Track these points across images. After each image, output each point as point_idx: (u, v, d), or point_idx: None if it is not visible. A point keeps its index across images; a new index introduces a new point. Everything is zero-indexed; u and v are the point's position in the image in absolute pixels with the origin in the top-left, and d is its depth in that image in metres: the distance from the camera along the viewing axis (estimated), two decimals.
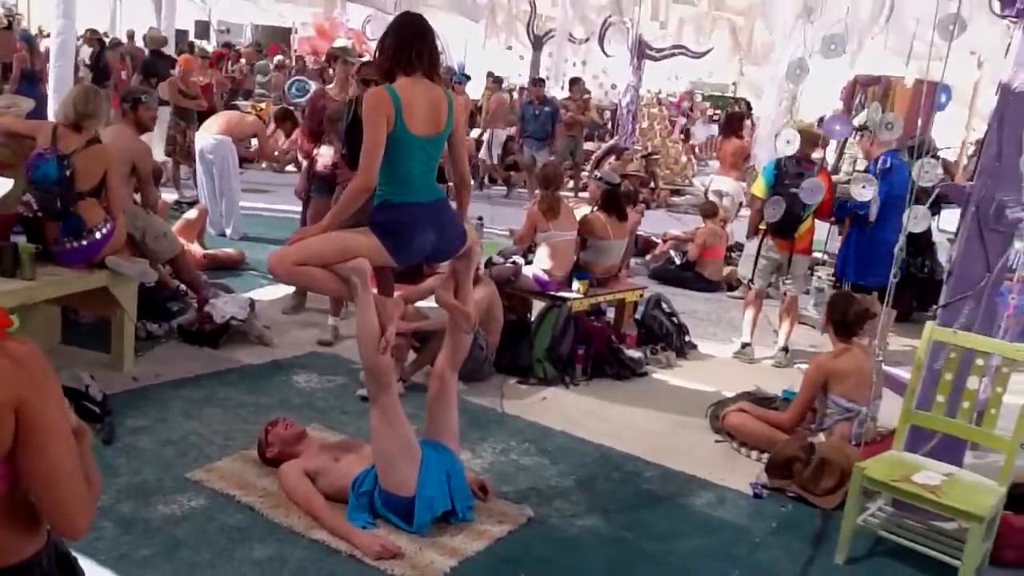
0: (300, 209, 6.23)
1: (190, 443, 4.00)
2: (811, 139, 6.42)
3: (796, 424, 4.63)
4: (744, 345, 6.44)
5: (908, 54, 7.05)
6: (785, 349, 6.40)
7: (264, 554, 3.18)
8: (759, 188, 6.51)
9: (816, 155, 7.11)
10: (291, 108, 9.75)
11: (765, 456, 4.45)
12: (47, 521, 1.56)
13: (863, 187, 6.36)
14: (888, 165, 6.57)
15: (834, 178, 8.11)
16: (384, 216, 3.47)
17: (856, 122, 8.23)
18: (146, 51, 12.61)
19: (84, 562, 2.92)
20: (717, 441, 4.79)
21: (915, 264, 7.09)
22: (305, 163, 6.42)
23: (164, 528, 3.29)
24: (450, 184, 4.90)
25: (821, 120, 9.53)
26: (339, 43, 7.00)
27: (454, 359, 3.84)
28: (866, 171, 6.84)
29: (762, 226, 6.39)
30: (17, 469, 1.48)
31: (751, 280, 6.54)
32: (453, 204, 3.83)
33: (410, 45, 3.48)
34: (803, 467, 4.18)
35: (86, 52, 12.49)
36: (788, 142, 5.98)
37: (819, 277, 7.68)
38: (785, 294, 6.47)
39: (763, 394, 5.14)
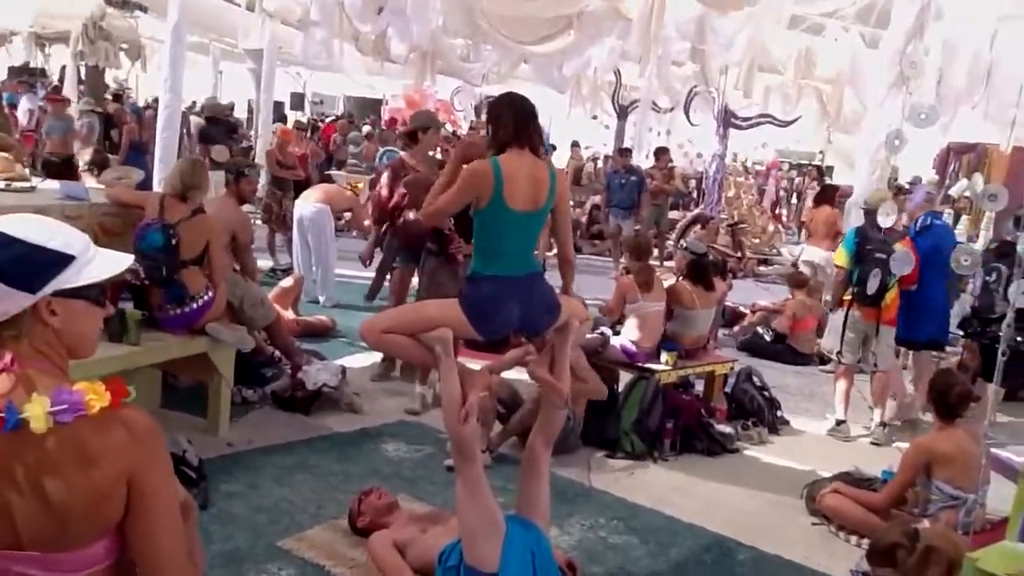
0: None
1: (281, 510, 4.04)
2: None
3: (890, 506, 4.44)
4: (839, 422, 6.25)
5: (1012, 121, 6.88)
6: (883, 424, 6.18)
7: None
8: (842, 258, 6.41)
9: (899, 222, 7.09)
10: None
11: (865, 541, 4.26)
12: None
13: (965, 259, 6.19)
14: (929, 223, 6.61)
15: None
16: (472, 290, 3.51)
17: (954, 192, 8.01)
18: (202, 119, 13.19)
19: None
20: (814, 524, 4.62)
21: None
22: (374, 230, 6.54)
23: None
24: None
25: (901, 188, 9.28)
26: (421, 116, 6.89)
27: (547, 435, 3.80)
28: (905, 229, 6.85)
29: (846, 297, 6.33)
30: (125, 540, 1.50)
31: (839, 354, 6.38)
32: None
33: (527, 121, 3.56)
34: (907, 555, 3.97)
35: (195, 122, 13.11)
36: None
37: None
38: (875, 367, 6.29)
39: (861, 475, 4.94)
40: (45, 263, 1.47)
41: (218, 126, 12.30)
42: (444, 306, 3.55)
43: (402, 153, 6.94)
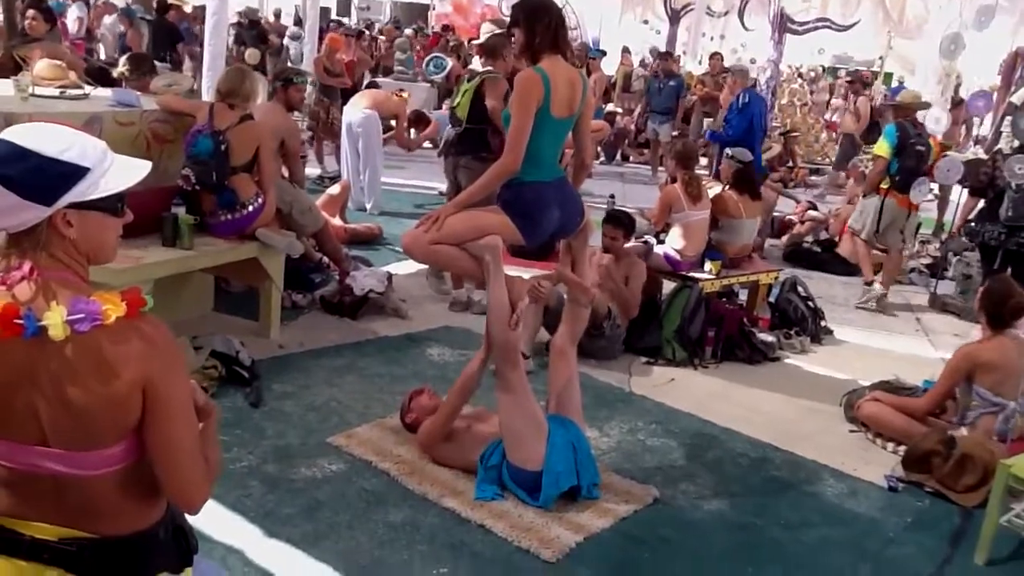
0: (435, 186, 6.31)
1: (331, 409, 4.20)
2: (915, 105, 7.31)
3: (931, 411, 4.47)
4: (868, 283, 7.14)
5: None
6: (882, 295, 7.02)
7: (398, 518, 3.33)
8: (884, 149, 6.98)
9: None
10: (424, 112, 9.92)
11: (902, 449, 4.32)
12: (166, 494, 1.65)
13: (1020, 167, 6.10)
14: (747, 100, 7.98)
15: (980, 153, 7.87)
16: (513, 195, 3.55)
17: (1015, 99, 7.77)
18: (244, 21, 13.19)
19: (233, 518, 3.17)
20: (851, 431, 4.67)
21: None
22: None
23: (306, 489, 3.47)
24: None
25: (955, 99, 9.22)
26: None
27: (573, 333, 3.91)
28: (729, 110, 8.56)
29: (883, 185, 6.97)
30: (143, 442, 1.56)
31: (861, 231, 7.20)
32: None
33: (557, 27, 3.54)
34: (943, 462, 4.03)
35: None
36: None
37: (967, 263, 7.31)
38: (893, 247, 7.15)
39: (902, 384, 4.96)
40: (59, 175, 1.47)
41: (251, 30, 12.30)
42: (489, 213, 3.60)
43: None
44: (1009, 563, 3.51)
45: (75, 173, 1.48)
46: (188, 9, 15.74)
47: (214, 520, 3.08)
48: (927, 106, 7.68)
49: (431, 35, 17.65)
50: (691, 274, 5.83)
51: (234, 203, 4.75)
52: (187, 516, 1.74)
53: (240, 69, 5.38)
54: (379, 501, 3.44)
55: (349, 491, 3.49)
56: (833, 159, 13.89)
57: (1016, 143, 6.78)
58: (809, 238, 8.51)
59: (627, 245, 5.92)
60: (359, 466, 3.69)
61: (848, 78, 14.31)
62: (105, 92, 5.29)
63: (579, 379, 3.94)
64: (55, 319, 1.43)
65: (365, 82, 12.08)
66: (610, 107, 13.70)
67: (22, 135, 1.48)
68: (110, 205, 1.56)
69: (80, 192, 1.49)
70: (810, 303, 6.24)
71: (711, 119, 12.89)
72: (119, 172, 1.56)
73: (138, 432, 1.55)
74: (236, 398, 4.17)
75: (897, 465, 4.19)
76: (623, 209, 6.14)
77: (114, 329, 1.47)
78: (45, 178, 1.46)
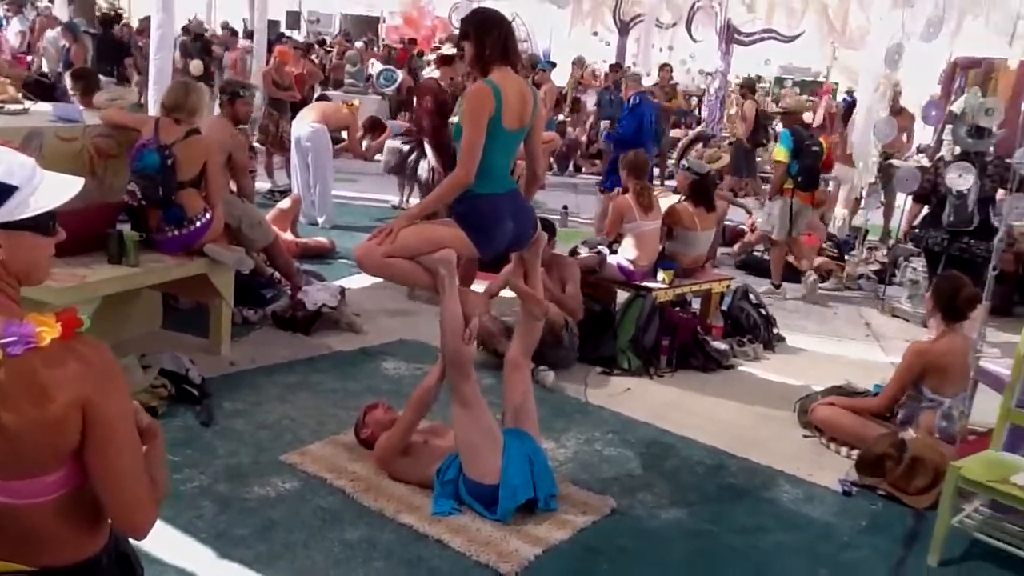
0: (388, 199, 6.29)
1: (284, 427, 4.13)
2: (801, 110, 8.60)
3: (885, 410, 4.53)
4: (776, 286, 7.56)
5: (1012, 34, 6.83)
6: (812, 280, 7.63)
7: (355, 536, 3.28)
8: (782, 154, 7.62)
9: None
10: (379, 118, 9.89)
11: (855, 453, 4.37)
12: (110, 520, 1.59)
13: (959, 175, 6.26)
14: (637, 102, 8.69)
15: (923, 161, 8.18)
16: (467, 208, 3.53)
17: (955, 108, 7.96)
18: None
19: (185, 540, 3.10)
20: (805, 436, 4.71)
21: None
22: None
23: (260, 509, 3.41)
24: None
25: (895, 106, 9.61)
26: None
27: (526, 344, 3.91)
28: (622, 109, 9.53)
29: (787, 186, 7.62)
30: (83, 468, 1.51)
31: (772, 232, 7.73)
32: None
33: (507, 39, 3.54)
34: (895, 465, 4.09)
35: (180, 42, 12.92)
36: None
37: (914, 269, 7.46)
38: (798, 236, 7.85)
39: (853, 388, 5.02)
40: None
41: (196, 42, 12.18)
42: (443, 226, 3.58)
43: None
44: (961, 563, 3.56)
45: (1, 192, 1.43)
46: (134, 23, 15.55)
47: (165, 543, 3.01)
48: (809, 108, 8.62)
49: (401, 49, 17.51)
50: (644, 284, 5.86)
51: (181, 218, 4.68)
52: (134, 540, 1.69)
53: (185, 83, 5.31)
54: (335, 519, 3.39)
55: (304, 509, 3.44)
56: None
57: (957, 151, 6.94)
58: (760, 247, 8.60)
59: (581, 256, 5.95)
60: (314, 484, 3.63)
61: (738, 83, 14.65)
62: (46, 107, 5.20)
63: (535, 391, 3.93)
64: None
65: (315, 95, 12.01)
66: (560, 117, 13.76)
67: None
68: (40, 224, 1.50)
69: (7, 212, 1.44)
70: (762, 310, 6.31)
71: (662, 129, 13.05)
72: (50, 190, 1.50)
73: (78, 457, 1.49)
74: (186, 417, 4.09)
75: (851, 469, 4.24)
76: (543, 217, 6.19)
77: (49, 351, 1.42)
78: None
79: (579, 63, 16.57)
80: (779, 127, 9.85)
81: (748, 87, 12.57)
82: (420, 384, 3.79)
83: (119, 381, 1.55)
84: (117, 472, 1.52)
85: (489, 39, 3.50)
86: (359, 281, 6.31)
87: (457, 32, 4.02)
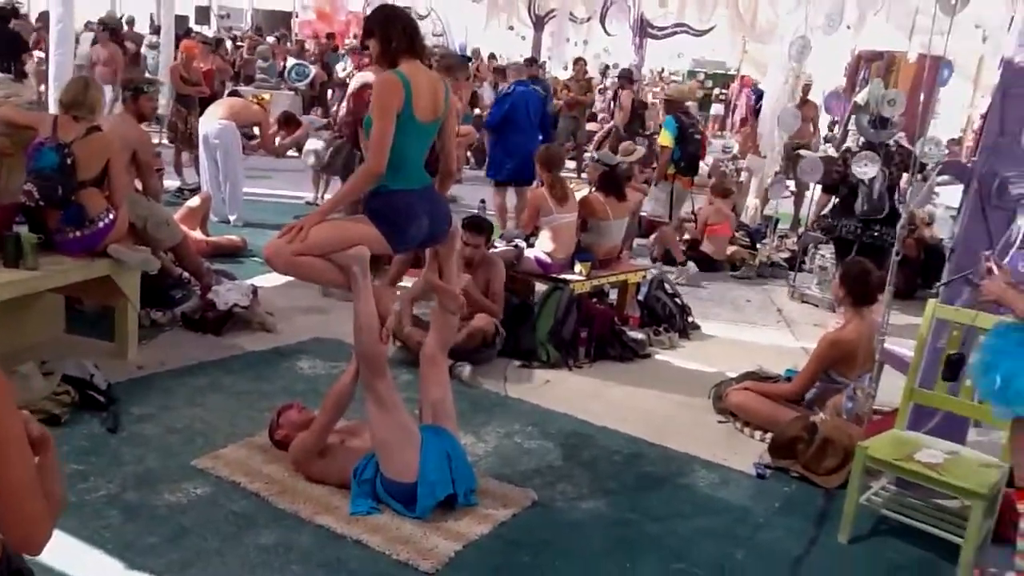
0: (302, 195, 6.18)
1: (195, 431, 4.01)
2: (684, 98, 9.31)
3: (800, 394, 4.65)
4: (685, 266, 7.98)
5: (911, 29, 7.08)
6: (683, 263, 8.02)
7: (270, 540, 3.20)
8: (667, 139, 8.19)
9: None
10: (293, 113, 9.72)
11: (768, 436, 4.46)
12: (3, 535, 1.52)
13: (864, 164, 6.46)
14: (511, 90, 8.66)
15: (830, 151, 8.47)
16: (380, 203, 3.48)
17: (859, 99, 8.23)
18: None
19: (90, 551, 2.98)
20: (720, 422, 4.80)
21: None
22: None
23: (170, 516, 3.30)
24: None
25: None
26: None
27: (443, 340, 3.88)
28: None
29: (670, 171, 8.29)
30: None
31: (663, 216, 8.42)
32: None
33: (412, 33, 3.50)
34: (806, 447, 4.19)
35: (86, 39, 12.49)
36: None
37: (823, 256, 7.67)
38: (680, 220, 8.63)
39: (766, 374, 5.13)
40: None
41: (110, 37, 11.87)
42: (356, 223, 3.53)
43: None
44: (871, 539, 3.67)
45: None
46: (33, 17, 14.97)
47: (69, 556, 2.89)
48: (693, 98, 9.11)
49: (322, 45, 17.19)
50: (562, 276, 5.88)
51: (82, 219, 4.52)
52: (29, 556, 1.60)
53: (83, 79, 5.14)
54: (249, 523, 3.31)
55: (216, 515, 3.34)
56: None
57: (862, 141, 7.16)
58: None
59: (498, 250, 5.94)
60: (226, 488, 3.53)
61: (617, 74, 14.93)
62: None
63: (452, 386, 3.91)
64: None
65: (226, 91, 11.73)
66: (477, 111, 13.73)
67: None
68: None
69: None
70: (677, 300, 6.41)
71: (576, 122, 13.14)
72: None
73: None
74: (92, 424, 3.94)
75: (764, 453, 4.33)
76: (479, 214, 6.17)
77: None
78: None
79: (475, 55, 16.55)
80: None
81: (626, 77, 12.82)
82: (335, 384, 3.72)
83: (6, 393, 1.47)
84: (7, 488, 1.45)
85: (394, 33, 3.47)
86: (272, 279, 6.19)
87: None
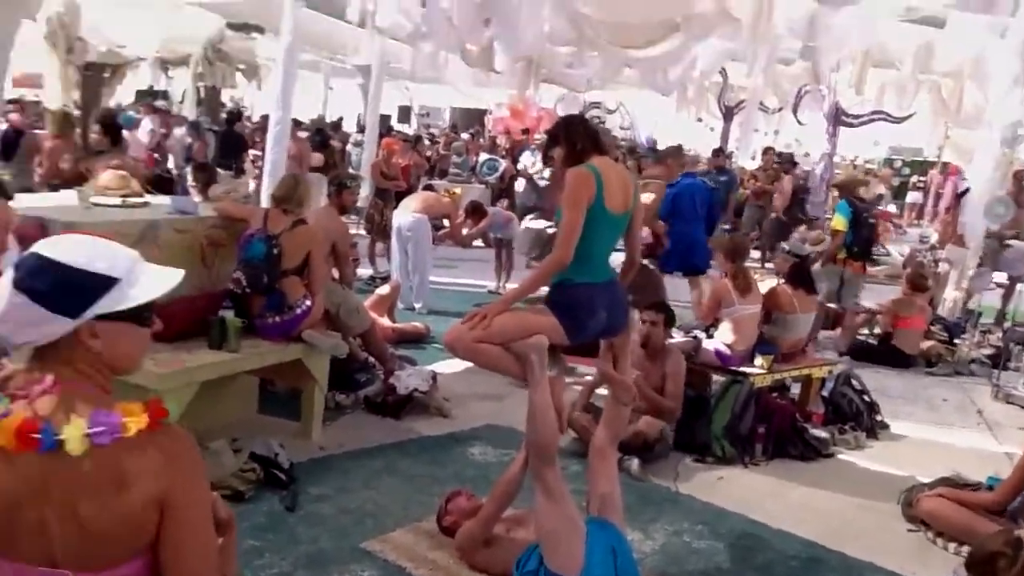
0: (484, 284, 6.32)
1: (367, 512, 4.16)
2: (855, 183, 9.11)
3: (1004, 505, 4.25)
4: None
5: None
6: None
7: None
8: (841, 223, 7.99)
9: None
10: (480, 203, 10.12)
11: (965, 549, 4.10)
12: None
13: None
14: (678, 182, 8.58)
15: None
16: (561, 296, 3.55)
17: None
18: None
19: None
20: (910, 530, 4.47)
21: None
22: None
23: None
24: None
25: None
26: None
27: (614, 432, 3.85)
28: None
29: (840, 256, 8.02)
30: (157, 561, 1.49)
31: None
32: None
33: (593, 133, 3.66)
34: (1009, 565, 3.79)
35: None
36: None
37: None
38: (850, 308, 8.20)
39: (964, 480, 4.74)
40: (86, 287, 1.45)
41: (316, 136, 12.86)
42: (536, 314, 3.60)
43: None
44: None
45: (103, 284, 1.46)
46: (255, 118, 16.50)
47: None
48: (866, 183, 9.00)
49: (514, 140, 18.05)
50: (741, 369, 5.73)
51: (282, 305, 4.83)
52: None
53: (294, 176, 5.56)
54: None
55: None
56: (887, 248, 13.72)
57: None
58: (864, 331, 8.33)
59: (675, 341, 5.87)
60: (392, 571, 3.63)
61: (778, 160, 14.43)
62: (164, 200, 5.49)
63: (621, 479, 3.86)
64: (73, 433, 1.40)
65: (421, 185, 12.41)
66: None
67: (51, 247, 1.47)
68: (138, 316, 1.52)
69: (108, 304, 1.47)
70: (865, 396, 6.07)
71: (762, 211, 12.90)
72: (149, 281, 1.53)
73: (152, 550, 1.48)
74: (272, 502, 4.16)
75: (960, 568, 3.96)
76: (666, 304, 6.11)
77: (134, 442, 1.44)
78: (72, 290, 1.44)
79: (678, 150, 16.64)
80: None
81: (787, 161, 12.42)
82: (504, 473, 3.76)
83: (200, 473, 1.55)
84: (191, 568, 1.50)
85: (577, 136, 3.59)
86: (452, 365, 6.38)
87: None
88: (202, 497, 1.54)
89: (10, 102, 9.49)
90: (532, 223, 8.67)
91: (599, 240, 3.51)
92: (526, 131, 19.28)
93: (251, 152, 12.88)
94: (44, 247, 1.48)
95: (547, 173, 10.47)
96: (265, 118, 13.01)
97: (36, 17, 9.67)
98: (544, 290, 3.66)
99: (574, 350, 6.08)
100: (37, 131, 9.56)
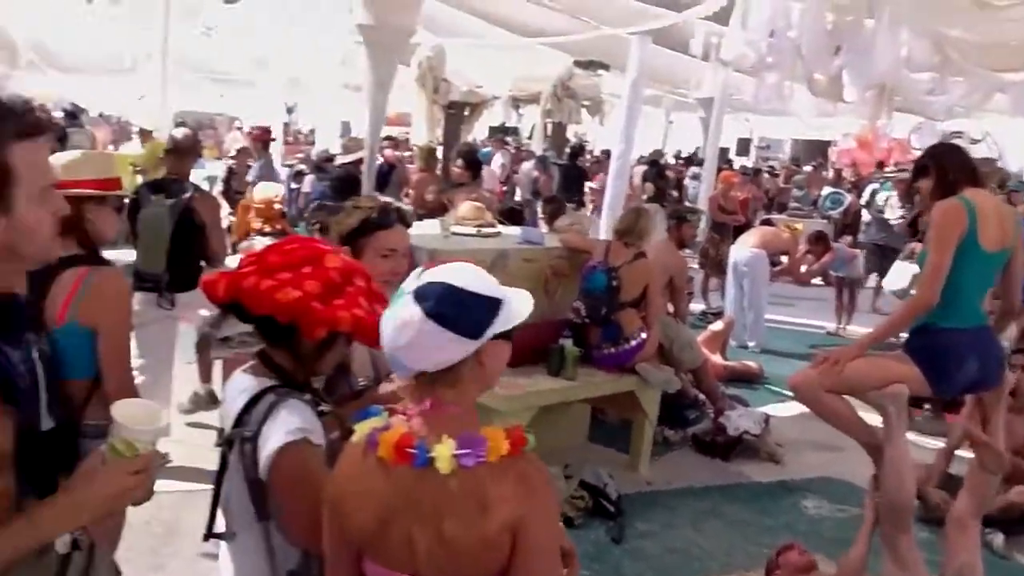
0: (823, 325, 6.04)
1: (692, 555, 4.11)
2: None
3: None
4: None
5: None
6: None
7: None
8: None
9: None
10: (825, 233, 9.70)
11: None
12: None
13: None
14: None
15: None
16: (923, 342, 3.30)
17: None
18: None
19: None
20: None
21: None
22: None
23: None
24: None
25: None
26: None
27: (978, 504, 3.47)
28: None
29: None
30: None
31: None
32: None
33: (970, 163, 3.38)
34: None
35: (637, 172, 13.90)
36: None
37: None
38: None
39: None
40: (484, 309, 1.52)
41: (652, 168, 13.01)
42: (894, 361, 3.38)
43: None
44: None
45: (495, 306, 1.54)
46: (596, 152, 17.09)
47: None
48: None
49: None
50: None
51: (618, 336, 4.96)
52: None
53: (637, 209, 5.69)
54: None
55: None
56: None
57: None
58: None
59: None
60: None
61: None
62: (514, 231, 5.83)
63: (982, 554, 3.48)
64: (443, 452, 1.48)
65: (758, 219, 12.12)
66: None
67: (448, 275, 1.54)
68: (509, 334, 1.59)
69: (500, 324, 1.53)
70: None
71: None
72: (518, 302, 1.60)
73: (503, 573, 1.51)
74: (599, 531, 4.24)
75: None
76: None
77: (496, 467, 1.48)
78: (475, 313, 1.52)
79: None
80: None
81: None
82: (848, 553, 3.48)
83: (554, 505, 1.61)
84: None
85: (952, 165, 3.33)
86: (786, 409, 6.14)
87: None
88: (554, 528, 1.58)
89: (385, 139, 10.60)
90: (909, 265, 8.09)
91: (970, 280, 3.22)
92: (881, 164, 18.14)
93: (587, 184, 13.35)
94: (442, 275, 1.56)
95: (898, 209, 9.74)
96: (604, 153, 13.47)
97: (410, 62, 10.79)
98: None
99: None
100: (407, 165, 10.62)
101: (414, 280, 1.56)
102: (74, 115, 13.56)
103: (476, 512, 1.48)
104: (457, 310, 1.50)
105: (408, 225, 2.55)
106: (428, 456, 1.50)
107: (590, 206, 12.78)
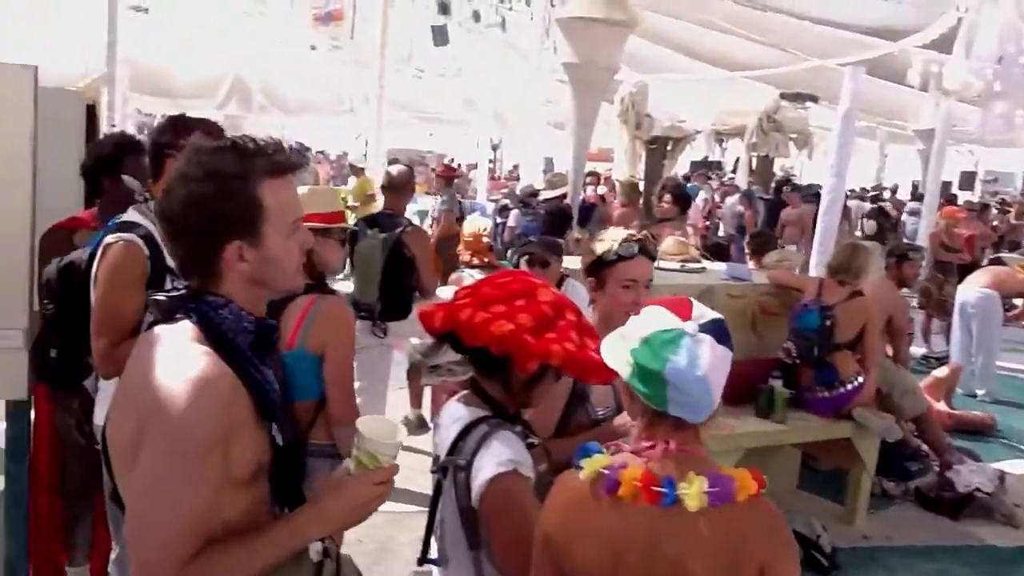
0: None
1: None
2: None
3: None
4: None
5: None
6: None
7: None
8: None
9: None
10: None
11: None
12: None
13: None
14: None
15: None
16: None
17: None
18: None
19: None
20: None
21: None
22: None
23: None
24: None
25: None
26: None
27: None
28: None
29: None
30: None
31: None
32: None
33: None
34: None
35: (854, 206, 13.28)
36: None
37: None
38: None
39: None
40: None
41: (872, 204, 12.42)
42: None
43: None
44: None
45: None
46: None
47: None
48: None
49: None
50: None
51: (833, 380, 4.72)
52: None
53: (853, 245, 5.42)
54: None
55: None
56: None
57: None
58: None
59: None
60: None
61: None
62: (720, 266, 5.71)
63: None
64: (694, 490, 1.46)
65: (986, 258, 11.26)
66: None
67: (701, 309, 1.58)
68: None
69: None
70: None
71: None
72: None
73: None
74: None
75: None
76: None
77: (743, 507, 1.48)
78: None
79: None
80: None
81: None
82: None
83: (796, 549, 1.56)
84: None
85: None
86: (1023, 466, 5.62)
87: None
88: (798, 572, 1.53)
89: (588, 174, 10.69)
90: None
91: None
92: None
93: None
94: (708, 313, 1.57)
95: None
96: (810, 187, 12.96)
97: (613, 99, 10.86)
98: None
99: None
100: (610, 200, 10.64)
101: (691, 322, 1.53)
102: (300, 153, 14.60)
103: (726, 552, 1.46)
104: (728, 339, 1.55)
105: (652, 257, 2.51)
106: (676, 494, 1.47)
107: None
